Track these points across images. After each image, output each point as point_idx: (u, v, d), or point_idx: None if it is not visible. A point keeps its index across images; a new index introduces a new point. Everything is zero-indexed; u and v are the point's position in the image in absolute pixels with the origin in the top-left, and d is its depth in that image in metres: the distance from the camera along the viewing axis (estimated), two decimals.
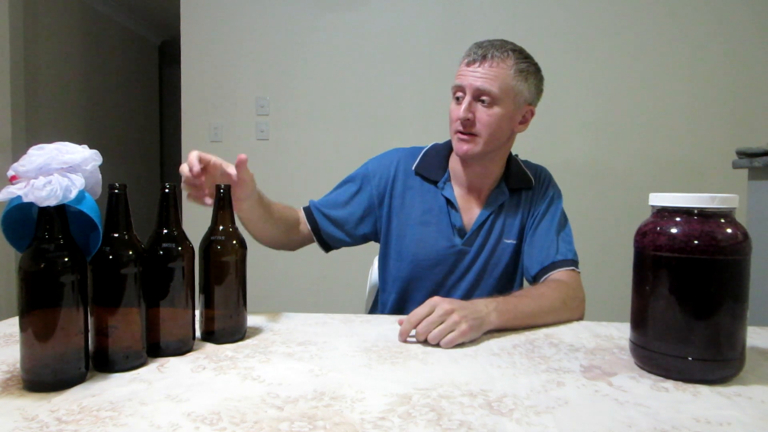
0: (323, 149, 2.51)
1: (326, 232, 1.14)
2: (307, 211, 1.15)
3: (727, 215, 0.63)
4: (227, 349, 0.74)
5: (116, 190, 0.65)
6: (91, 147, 0.64)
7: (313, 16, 2.49)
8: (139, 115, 4.37)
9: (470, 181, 1.13)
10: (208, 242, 0.79)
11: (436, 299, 0.82)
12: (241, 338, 0.79)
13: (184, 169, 0.86)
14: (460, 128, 1.04)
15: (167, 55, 4.72)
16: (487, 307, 0.83)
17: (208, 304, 0.78)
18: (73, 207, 0.60)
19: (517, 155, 1.19)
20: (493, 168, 1.12)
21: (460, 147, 1.06)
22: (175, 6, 2.60)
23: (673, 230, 0.63)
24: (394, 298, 1.16)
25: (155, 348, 0.70)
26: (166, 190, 0.72)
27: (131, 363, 0.65)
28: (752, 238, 0.63)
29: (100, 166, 0.65)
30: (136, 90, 4.30)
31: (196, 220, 2.84)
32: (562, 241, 1.09)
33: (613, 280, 1.94)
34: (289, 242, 1.14)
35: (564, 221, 1.13)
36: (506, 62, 1.02)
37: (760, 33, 2.24)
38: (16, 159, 0.59)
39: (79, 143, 0.64)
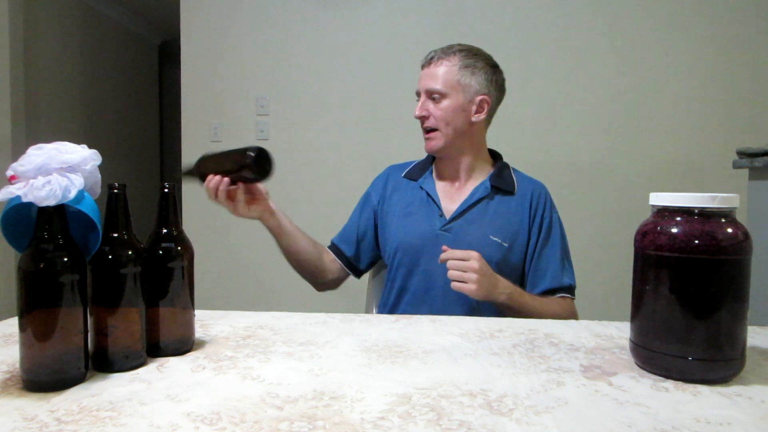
0: (323, 149, 2.51)
1: (353, 254, 1.27)
2: (332, 247, 1.28)
3: (728, 215, 0.63)
4: (227, 348, 0.74)
5: (115, 190, 0.65)
6: (90, 147, 0.64)
7: (313, 16, 2.49)
8: (139, 115, 4.37)
9: (448, 174, 1.24)
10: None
11: (476, 254, 1.00)
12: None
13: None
14: (422, 126, 1.18)
15: (167, 55, 4.72)
16: (504, 288, 1.04)
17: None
18: (73, 207, 0.60)
19: (514, 168, 1.26)
20: (462, 158, 1.21)
21: (427, 145, 1.19)
22: (175, 6, 2.60)
23: (674, 230, 0.63)
24: (390, 290, 1.22)
25: (155, 348, 0.70)
26: (166, 190, 0.72)
27: (131, 363, 0.65)
28: (752, 238, 0.63)
29: (100, 166, 0.64)
30: (136, 90, 4.30)
31: (196, 220, 2.83)
32: (571, 270, 1.19)
33: (613, 280, 1.94)
34: (319, 270, 1.23)
35: (566, 244, 1.21)
36: (451, 60, 1.15)
37: (760, 33, 2.24)
38: (15, 159, 0.59)
39: (79, 143, 0.64)
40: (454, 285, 0.99)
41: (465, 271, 0.99)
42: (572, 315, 1.14)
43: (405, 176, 1.27)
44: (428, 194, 1.21)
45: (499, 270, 1.13)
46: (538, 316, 1.04)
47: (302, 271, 1.22)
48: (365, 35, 2.47)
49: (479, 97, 1.16)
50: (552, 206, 1.22)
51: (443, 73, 1.14)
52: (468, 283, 0.98)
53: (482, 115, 1.18)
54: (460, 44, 1.18)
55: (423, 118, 1.17)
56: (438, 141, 1.16)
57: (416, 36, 2.43)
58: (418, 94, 1.19)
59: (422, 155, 1.31)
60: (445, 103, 1.14)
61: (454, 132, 1.16)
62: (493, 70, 1.18)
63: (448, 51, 1.16)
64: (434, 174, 1.25)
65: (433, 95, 1.15)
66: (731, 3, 2.25)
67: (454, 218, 1.17)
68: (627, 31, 2.31)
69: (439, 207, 1.19)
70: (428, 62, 1.17)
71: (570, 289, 1.17)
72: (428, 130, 1.17)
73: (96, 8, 3.67)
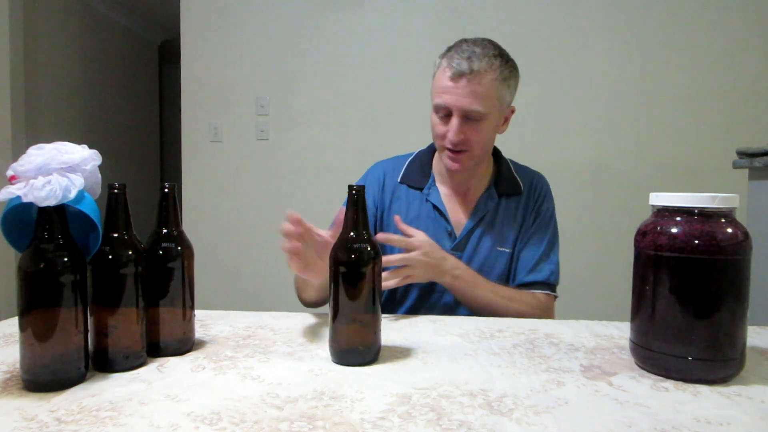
0: (323, 149, 2.51)
1: None
2: None
3: (728, 215, 0.63)
4: (227, 348, 0.74)
5: (116, 190, 0.65)
6: (90, 147, 0.64)
7: (313, 16, 2.50)
8: (139, 114, 4.37)
9: (456, 181, 1.14)
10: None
11: (424, 240, 0.95)
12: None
13: (287, 226, 0.78)
14: (450, 146, 1.03)
15: (167, 55, 4.72)
16: (451, 268, 0.97)
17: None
18: (73, 207, 0.60)
19: (510, 159, 1.19)
20: (479, 169, 1.13)
21: (452, 165, 1.05)
22: (175, 6, 2.60)
23: (674, 230, 0.63)
24: (396, 308, 1.14)
25: (155, 348, 0.70)
26: (166, 190, 0.72)
27: (131, 363, 0.65)
28: (752, 238, 0.63)
29: (100, 166, 0.64)
30: (136, 90, 4.31)
31: (196, 220, 2.82)
32: (552, 263, 1.10)
33: (613, 280, 1.94)
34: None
35: (556, 239, 1.14)
36: (491, 74, 0.99)
37: (760, 33, 2.24)
38: (15, 159, 0.59)
39: (79, 143, 0.64)
40: (387, 284, 0.91)
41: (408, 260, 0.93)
42: (543, 312, 1.03)
43: (403, 181, 1.15)
44: (435, 207, 1.11)
45: (507, 277, 1.10)
46: (495, 307, 0.98)
47: (319, 303, 1.06)
48: (365, 35, 2.47)
49: (508, 110, 1.08)
50: (548, 197, 1.15)
51: (485, 90, 0.98)
52: (409, 272, 0.93)
53: (506, 126, 1.10)
54: (491, 45, 1.02)
55: (459, 142, 1.01)
56: (469, 162, 1.04)
57: (416, 35, 2.43)
58: (443, 110, 1.01)
59: (424, 142, 1.22)
60: (484, 124, 1.01)
61: (485, 151, 1.06)
62: (517, 75, 1.06)
63: (486, 60, 0.98)
64: (436, 180, 1.15)
65: (472, 116, 0.99)
66: (731, 3, 2.25)
67: (463, 237, 1.10)
68: (627, 31, 2.32)
69: (448, 222, 1.11)
70: (469, 73, 0.97)
71: (545, 285, 1.08)
72: (457, 151, 1.02)
73: (96, 8, 3.67)
